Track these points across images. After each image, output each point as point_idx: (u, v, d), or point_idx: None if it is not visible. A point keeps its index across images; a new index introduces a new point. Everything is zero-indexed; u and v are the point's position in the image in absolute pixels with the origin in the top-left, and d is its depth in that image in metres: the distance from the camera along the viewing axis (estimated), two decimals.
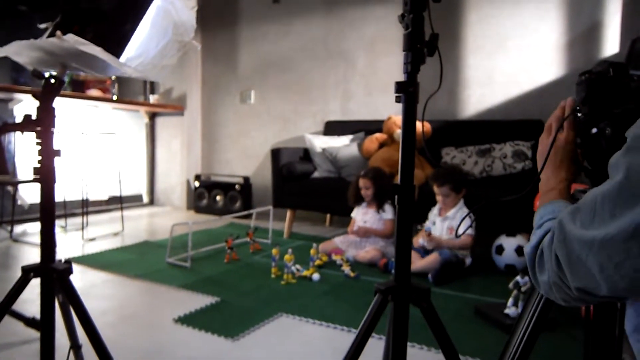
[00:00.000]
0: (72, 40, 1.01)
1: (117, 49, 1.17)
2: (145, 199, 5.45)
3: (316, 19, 4.62)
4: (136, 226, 4.29)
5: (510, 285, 2.12)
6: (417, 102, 1.07)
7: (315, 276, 2.70)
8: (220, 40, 5.16)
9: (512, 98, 3.76)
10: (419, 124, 1.12)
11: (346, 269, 2.83)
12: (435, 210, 3.04)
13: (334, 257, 3.07)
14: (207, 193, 4.93)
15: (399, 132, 3.61)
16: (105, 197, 4.81)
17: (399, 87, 1.07)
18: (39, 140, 1.21)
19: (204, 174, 5.18)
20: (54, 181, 1.23)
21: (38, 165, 1.22)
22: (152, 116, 5.41)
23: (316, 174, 3.96)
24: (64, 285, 1.23)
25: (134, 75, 1.09)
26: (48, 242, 1.22)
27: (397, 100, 1.08)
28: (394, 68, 4.21)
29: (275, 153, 3.89)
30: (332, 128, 4.38)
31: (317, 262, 2.95)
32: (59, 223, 3.88)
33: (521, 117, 3.61)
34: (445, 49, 3.85)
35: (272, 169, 3.89)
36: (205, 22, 5.17)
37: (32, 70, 1.24)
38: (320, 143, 4.06)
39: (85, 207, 4.04)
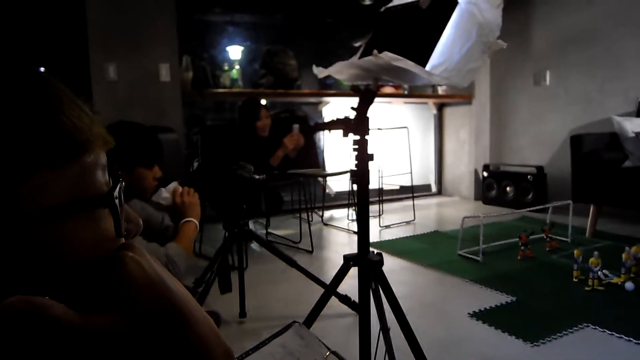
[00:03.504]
0: (387, 57, 1.11)
1: (422, 59, 1.23)
2: (434, 189, 5.63)
3: None
4: (426, 215, 4.49)
5: None
6: None
7: (629, 285, 2.32)
8: (510, 19, 4.84)
9: None
10: None
11: None
12: None
13: None
14: (496, 184, 4.77)
15: None
16: (396, 187, 5.17)
17: None
18: (356, 147, 1.38)
19: (492, 163, 5.03)
20: (368, 182, 1.39)
21: (355, 169, 1.39)
22: (440, 107, 5.53)
23: (628, 163, 3.37)
24: (377, 274, 1.39)
25: (441, 82, 1.13)
26: (364, 236, 1.39)
27: None
28: None
29: (576, 140, 3.48)
30: None
31: (632, 268, 2.52)
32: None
33: None
34: None
35: (572, 158, 3.50)
36: None
37: (350, 86, 1.42)
38: (634, 127, 3.44)
39: (380, 196, 4.44)
